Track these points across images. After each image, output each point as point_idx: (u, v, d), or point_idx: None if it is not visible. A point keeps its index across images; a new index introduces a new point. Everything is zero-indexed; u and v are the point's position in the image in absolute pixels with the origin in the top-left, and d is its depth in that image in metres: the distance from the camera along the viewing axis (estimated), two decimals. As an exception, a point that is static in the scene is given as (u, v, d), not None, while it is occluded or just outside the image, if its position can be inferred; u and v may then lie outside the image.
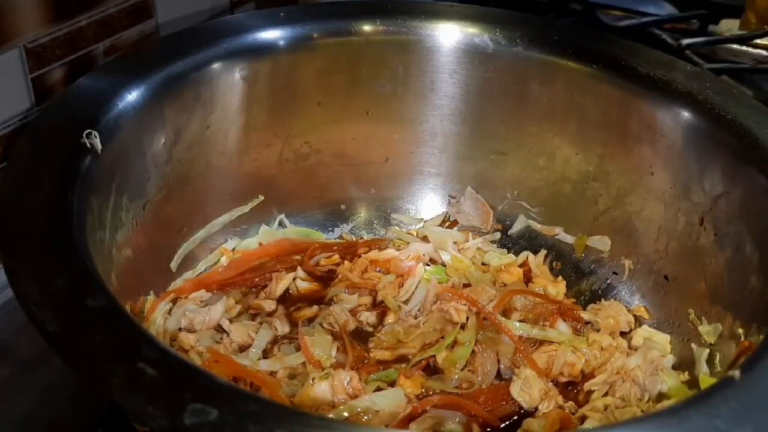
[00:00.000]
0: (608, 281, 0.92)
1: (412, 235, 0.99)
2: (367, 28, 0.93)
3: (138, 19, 0.98)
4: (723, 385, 0.57)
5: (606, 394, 0.79)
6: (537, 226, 0.97)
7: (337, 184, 0.99)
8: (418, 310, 0.87)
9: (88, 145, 0.72)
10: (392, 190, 1.01)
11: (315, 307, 0.88)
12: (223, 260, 0.91)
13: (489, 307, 0.85)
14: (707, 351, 0.79)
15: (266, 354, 0.81)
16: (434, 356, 0.82)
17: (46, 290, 0.57)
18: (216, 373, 0.55)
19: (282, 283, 0.89)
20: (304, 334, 0.82)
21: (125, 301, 0.74)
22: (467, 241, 0.96)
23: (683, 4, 1.41)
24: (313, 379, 0.74)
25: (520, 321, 0.85)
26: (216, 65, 0.86)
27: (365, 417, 0.73)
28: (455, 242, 0.96)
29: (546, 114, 0.93)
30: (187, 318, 0.82)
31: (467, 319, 0.84)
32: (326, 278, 0.92)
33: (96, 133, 0.72)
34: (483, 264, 0.95)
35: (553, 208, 0.96)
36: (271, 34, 0.90)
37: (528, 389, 0.78)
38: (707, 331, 0.80)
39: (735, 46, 1.29)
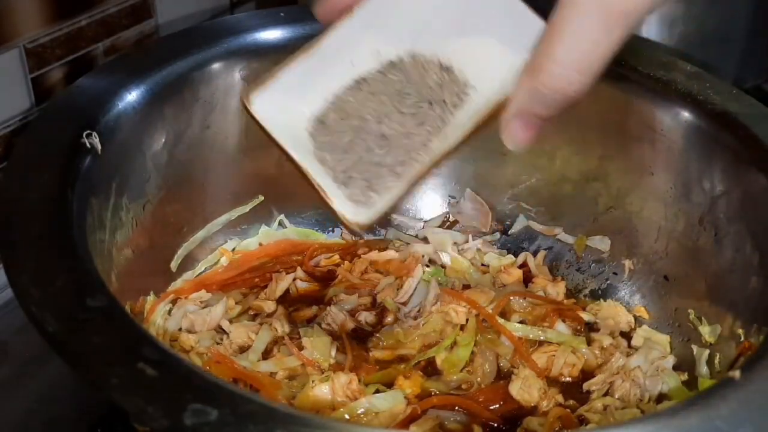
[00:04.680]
0: (608, 281, 0.92)
1: (412, 236, 0.98)
2: (367, 28, 0.93)
3: (138, 19, 0.98)
4: (723, 385, 0.57)
5: (606, 395, 0.79)
6: (537, 227, 0.97)
7: (337, 185, 0.98)
8: (418, 311, 0.87)
9: (88, 145, 0.72)
10: (392, 191, 1.00)
11: (314, 308, 0.88)
12: (223, 261, 0.91)
13: (489, 308, 0.85)
14: (707, 351, 0.79)
15: (266, 355, 0.81)
16: (433, 357, 0.82)
17: (46, 290, 0.57)
18: (216, 374, 0.55)
19: (282, 283, 0.89)
20: (302, 336, 0.82)
21: (125, 301, 0.74)
22: (467, 242, 0.96)
23: None
24: (313, 381, 0.74)
25: (519, 322, 0.85)
26: (216, 65, 0.86)
27: (365, 419, 0.73)
28: (455, 243, 0.96)
29: (546, 114, 0.93)
30: (188, 319, 0.82)
31: (467, 320, 0.84)
32: (326, 279, 0.92)
33: (96, 133, 0.72)
34: (483, 265, 0.94)
35: (553, 208, 0.96)
36: (271, 34, 0.89)
37: (527, 388, 0.78)
38: (707, 331, 0.80)
39: None
